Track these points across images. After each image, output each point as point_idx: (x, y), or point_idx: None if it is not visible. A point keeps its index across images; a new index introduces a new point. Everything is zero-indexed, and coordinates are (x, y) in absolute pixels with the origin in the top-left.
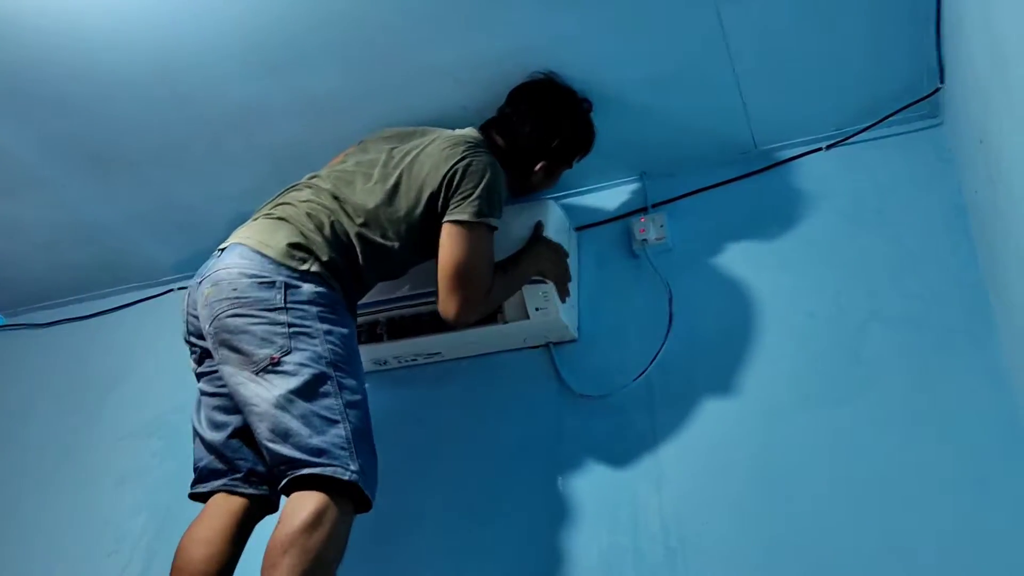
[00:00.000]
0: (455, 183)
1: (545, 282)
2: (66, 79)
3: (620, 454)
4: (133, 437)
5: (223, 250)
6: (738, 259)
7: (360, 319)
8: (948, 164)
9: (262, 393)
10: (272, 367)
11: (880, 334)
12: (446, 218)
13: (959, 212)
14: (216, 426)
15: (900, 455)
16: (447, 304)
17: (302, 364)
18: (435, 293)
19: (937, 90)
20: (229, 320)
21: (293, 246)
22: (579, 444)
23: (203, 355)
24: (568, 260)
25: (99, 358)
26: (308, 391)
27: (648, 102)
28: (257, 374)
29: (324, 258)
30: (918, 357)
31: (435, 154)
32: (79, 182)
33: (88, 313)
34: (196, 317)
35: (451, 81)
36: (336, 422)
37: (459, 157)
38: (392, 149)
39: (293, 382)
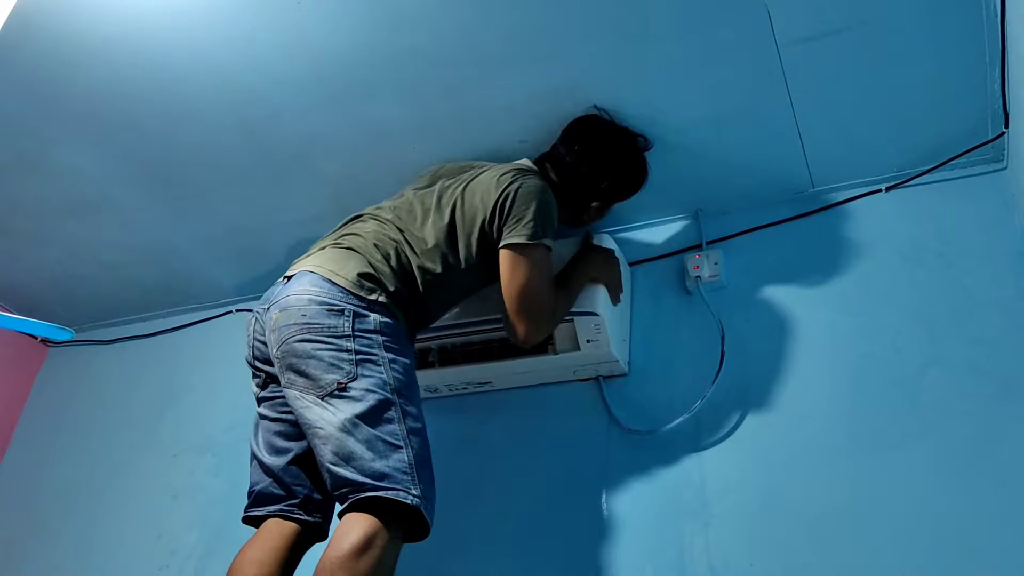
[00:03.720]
0: (508, 207)
1: (597, 314)
2: (140, 107)
3: (667, 491)
4: (187, 454)
5: (290, 277)
6: (793, 298)
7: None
8: (1012, 209)
9: (327, 417)
10: (338, 392)
11: (940, 379)
12: (503, 243)
13: (1023, 258)
14: (277, 451)
15: (956, 504)
16: (515, 327)
17: (367, 390)
18: (486, 321)
19: (1002, 134)
20: (297, 345)
21: (363, 276)
22: (626, 479)
23: (267, 380)
24: (619, 266)
25: (158, 375)
26: (372, 416)
27: (706, 140)
28: (323, 398)
29: (391, 288)
30: (979, 404)
31: (486, 181)
32: (148, 205)
33: (150, 332)
34: (263, 342)
35: (510, 115)
36: (399, 447)
37: (509, 182)
38: (447, 182)
39: (358, 407)
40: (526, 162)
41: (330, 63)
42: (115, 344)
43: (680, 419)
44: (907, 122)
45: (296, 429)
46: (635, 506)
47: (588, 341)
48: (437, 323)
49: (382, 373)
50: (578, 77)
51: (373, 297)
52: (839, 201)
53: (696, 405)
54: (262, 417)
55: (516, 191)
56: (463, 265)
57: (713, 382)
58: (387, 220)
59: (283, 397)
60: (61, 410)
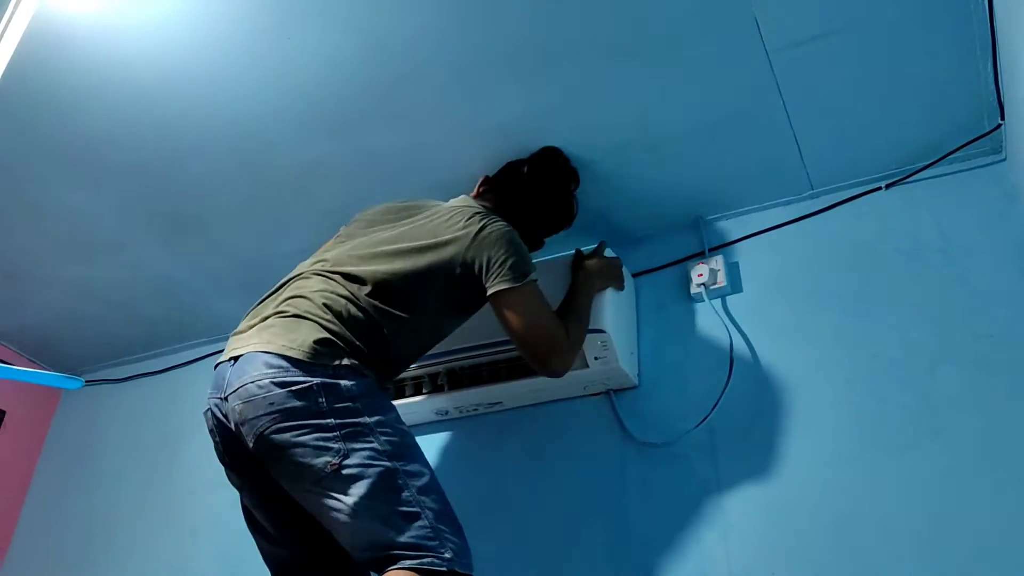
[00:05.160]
0: (485, 255)
1: (603, 331)
2: (139, 146)
3: (684, 502)
4: (204, 489)
5: (236, 359)
6: (798, 301)
7: (421, 371)
8: (1013, 201)
9: (333, 504)
10: (333, 474)
11: (950, 376)
12: (491, 290)
13: None
14: (279, 542)
15: (972, 501)
16: (541, 365)
17: (364, 465)
18: (494, 344)
19: (998, 126)
20: (275, 437)
21: (320, 343)
22: (642, 492)
23: (245, 470)
24: (622, 268)
25: (171, 412)
26: (379, 492)
27: (702, 148)
28: (320, 484)
29: (352, 348)
30: (991, 399)
31: (452, 226)
32: (152, 242)
33: (160, 368)
34: (231, 435)
35: (503, 135)
36: (416, 515)
37: (479, 227)
38: (398, 224)
39: (361, 487)
40: (469, 199)
41: (323, 94)
42: (127, 382)
43: (693, 429)
44: (903, 119)
45: (290, 510)
46: (653, 519)
47: (596, 358)
48: (445, 348)
49: (372, 442)
50: (569, 94)
51: (337, 362)
52: (839, 201)
53: (708, 414)
54: (252, 507)
55: (487, 236)
56: (431, 307)
57: (724, 390)
58: (334, 273)
59: (269, 482)
60: (77, 453)
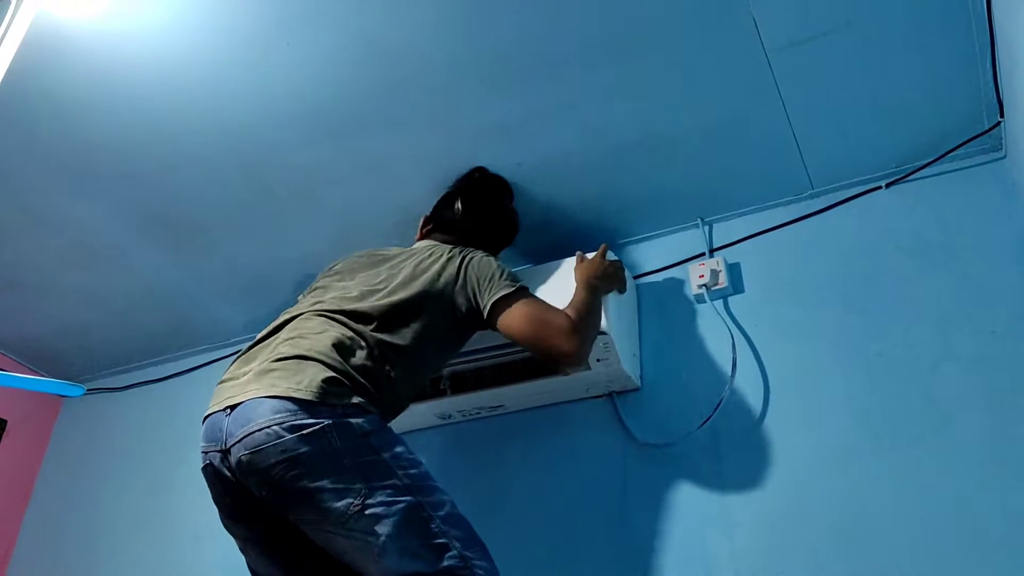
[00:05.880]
0: (474, 276)
1: (605, 332)
2: (139, 154)
3: (688, 503)
4: (207, 496)
5: (232, 408)
6: (801, 300)
7: None
8: (1014, 198)
9: (360, 545)
10: (358, 514)
11: (953, 373)
12: (491, 300)
13: None
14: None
15: (977, 497)
16: (555, 351)
17: (387, 503)
18: (497, 347)
19: (998, 124)
20: (293, 486)
21: (327, 382)
22: (646, 494)
23: (250, 521)
24: (624, 270)
25: (173, 419)
26: (406, 528)
27: (702, 149)
28: (345, 526)
29: (360, 387)
30: (994, 396)
31: (436, 259)
32: (151, 249)
33: (162, 376)
34: (235, 489)
35: (505, 138)
36: (445, 546)
37: (461, 256)
38: (380, 267)
39: (387, 526)
40: (427, 243)
41: (322, 98)
42: (129, 391)
43: (696, 430)
44: (902, 117)
45: (297, 543)
46: (658, 520)
47: (598, 360)
48: None
49: (392, 478)
50: (569, 97)
51: (346, 402)
52: (839, 201)
53: (711, 415)
54: (258, 555)
55: (471, 264)
56: (430, 337)
57: (727, 390)
58: (333, 313)
59: (278, 529)
60: (79, 461)
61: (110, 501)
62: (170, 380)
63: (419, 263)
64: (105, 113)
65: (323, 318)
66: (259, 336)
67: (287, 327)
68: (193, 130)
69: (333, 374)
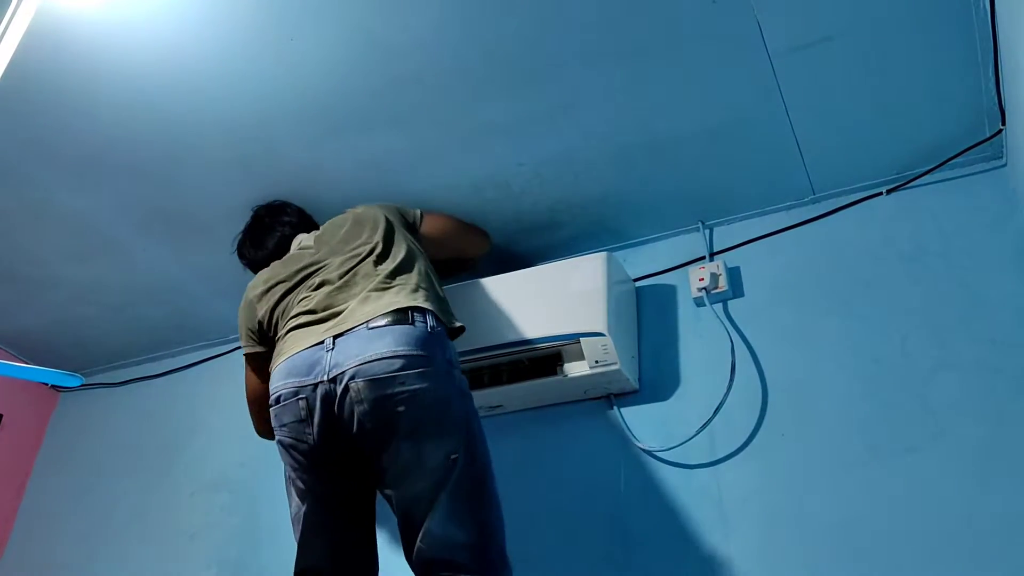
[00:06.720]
0: (395, 210)
1: (603, 335)
2: (139, 149)
3: (685, 507)
4: (203, 492)
5: (337, 337)
6: (800, 306)
7: None
8: (1014, 206)
9: (436, 496)
10: (450, 466)
11: (950, 381)
12: (421, 215)
13: None
14: (338, 544)
15: (973, 505)
16: (480, 243)
17: (472, 465)
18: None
19: (999, 131)
20: (401, 423)
21: (403, 310)
22: (642, 497)
23: (330, 463)
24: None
25: (170, 415)
26: (479, 495)
27: (705, 152)
28: (434, 475)
29: (427, 301)
30: (991, 404)
31: (369, 212)
32: (151, 244)
33: (160, 371)
34: (331, 423)
35: (508, 137)
36: (495, 536)
37: (362, 208)
38: (339, 231)
39: (465, 487)
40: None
41: (325, 95)
42: (126, 386)
43: (694, 433)
44: (904, 124)
45: (354, 508)
46: (654, 524)
47: (596, 362)
48: None
49: (477, 440)
50: (571, 98)
51: (434, 323)
52: (841, 206)
53: (710, 419)
54: (316, 501)
55: (391, 206)
56: (416, 249)
57: (725, 395)
58: (332, 273)
59: (344, 479)
60: (75, 455)
61: (105, 498)
62: (168, 376)
63: (360, 222)
64: (106, 106)
65: (329, 284)
66: (303, 301)
67: (347, 277)
68: (194, 126)
69: (420, 297)
